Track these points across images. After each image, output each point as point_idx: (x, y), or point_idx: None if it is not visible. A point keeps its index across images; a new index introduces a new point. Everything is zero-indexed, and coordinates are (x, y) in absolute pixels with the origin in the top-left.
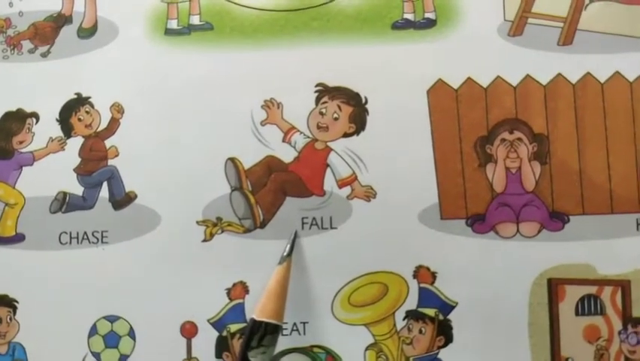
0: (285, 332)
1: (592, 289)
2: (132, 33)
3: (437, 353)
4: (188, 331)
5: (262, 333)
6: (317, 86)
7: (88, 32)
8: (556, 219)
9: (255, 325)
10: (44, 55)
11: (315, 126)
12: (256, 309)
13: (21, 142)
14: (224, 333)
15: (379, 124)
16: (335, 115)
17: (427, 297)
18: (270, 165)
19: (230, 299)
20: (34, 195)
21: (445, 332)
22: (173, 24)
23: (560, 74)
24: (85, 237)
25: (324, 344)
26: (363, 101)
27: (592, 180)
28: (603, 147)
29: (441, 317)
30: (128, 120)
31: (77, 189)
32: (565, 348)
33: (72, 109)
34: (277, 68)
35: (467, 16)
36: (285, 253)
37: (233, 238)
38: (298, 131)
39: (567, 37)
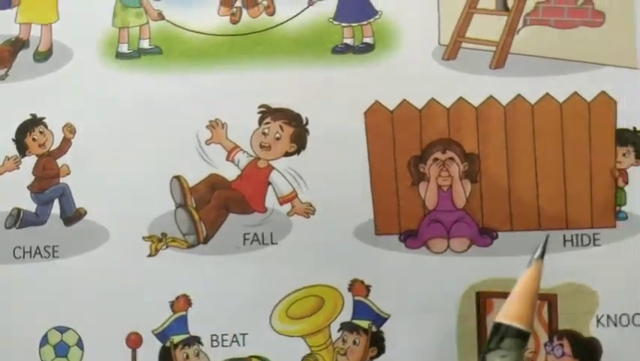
0: (224, 343)
1: None
2: (85, 56)
3: None
4: (134, 341)
5: (501, 335)
6: (260, 107)
7: (43, 56)
8: (485, 235)
9: (496, 326)
10: (2, 78)
11: (257, 146)
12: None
13: None
14: (168, 344)
15: (319, 144)
16: (277, 135)
17: (361, 309)
18: (214, 182)
19: (174, 312)
20: None
21: (377, 343)
22: (124, 48)
23: (491, 97)
24: (37, 251)
25: (263, 354)
26: (304, 121)
27: (520, 197)
28: (532, 166)
29: (374, 329)
30: (80, 140)
31: (31, 206)
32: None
33: (27, 129)
34: (222, 90)
35: (403, 41)
36: (536, 256)
37: (178, 253)
38: (241, 150)
39: (499, 60)
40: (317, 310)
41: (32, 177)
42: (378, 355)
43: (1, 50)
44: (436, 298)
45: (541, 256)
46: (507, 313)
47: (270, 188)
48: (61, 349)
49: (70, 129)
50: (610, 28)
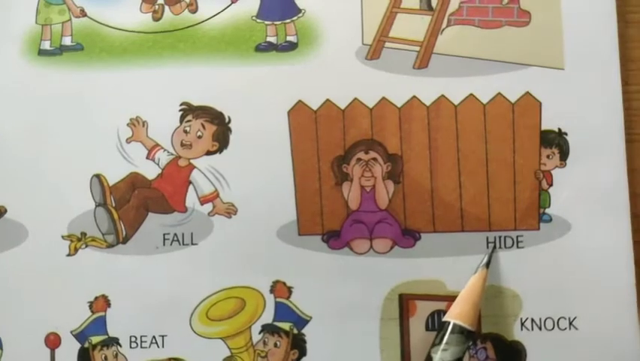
0: (143, 344)
1: (442, 305)
2: (8, 53)
3: None
4: (52, 342)
5: (444, 332)
6: (182, 105)
7: None
8: (408, 236)
9: (441, 325)
10: None
11: (179, 144)
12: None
13: None
14: (86, 345)
15: (242, 143)
16: (199, 133)
17: (283, 311)
18: (134, 181)
19: (93, 312)
20: None
21: (299, 346)
22: (47, 45)
23: (414, 97)
24: None
25: (182, 356)
26: (227, 120)
27: (443, 199)
28: (455, 167)
29: (295, 331)
30: (0, 137)
31: None
32: None
33: None
34: (143, 87)
35: (327, 40)
36: (482, 263)
37: (97, 252)
38: (162, 148)
39: (423, 60)
40: (238, 311)
41: None
42: (299, 358)
43: None
44: (359, 300)
45: (487, 264)
46: (451, 312)
47: (190, 187)
48: None
49: None
50: (536, 28)
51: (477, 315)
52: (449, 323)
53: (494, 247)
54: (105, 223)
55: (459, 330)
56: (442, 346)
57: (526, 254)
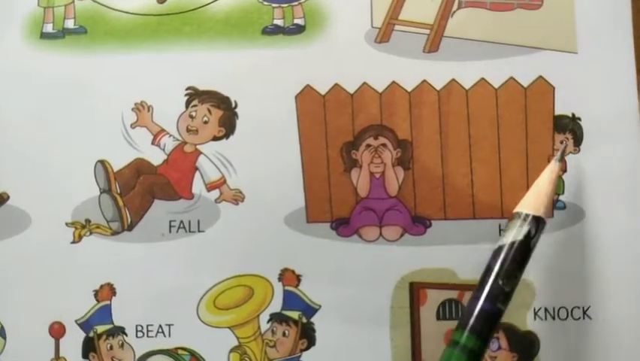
0: (150, 333)
1: (453, 294)
2: (10, 37)
3: (300, 356)
4: (57, 331)
5: (521, 223)
6: (187, 89)
7: None
8: (418, 224)
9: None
10: None
11: (184, 129)
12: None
13: None
14: (91, 334)
15: (249, 128)
16: (205, 118)
17: (292, 300)
18: (139, 167)
19: (98, 301)
20: None
21: (308, 335)
22: (49, 28)
23: (425, 81)
24: None
25: (189, 346)
26: (233, 105)
27: (454, 185)
28: (466, 153)
29: (304, 320)
30: (2, 122)
31: None
32: (426, 352)
33: None
34: (148, 71)
35: (335, 23)
36: (557, 158)
37: (102, 240)
38: (168, 134)
39: (433, 44)
40: (246, 300)
41: None
42: (308, 347)
43: None
44: (368, 288)
45: (560, 159)
46: (518, 205)
47: (197, 173)
48: None
49: None
50: (548, 10)
51: (542, 203)
52: (514, 213)
53: (565, 144)
54: (110, 210)
55: (517, 216)
56: (502, 233)
57: (539, 242)
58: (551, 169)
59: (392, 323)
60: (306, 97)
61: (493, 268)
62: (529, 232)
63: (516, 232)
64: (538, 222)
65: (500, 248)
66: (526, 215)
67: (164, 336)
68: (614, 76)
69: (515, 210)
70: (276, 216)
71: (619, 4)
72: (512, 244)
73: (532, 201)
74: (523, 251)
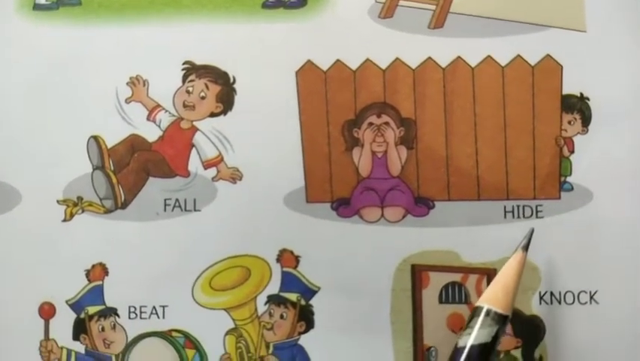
0: (143, 315)
1: (456, 277)
2: (2, 8)
3: (298, 339)
4: (47, 312)
5: (472, 315)
6: (184, 63)
7: None
8: (421, 205)
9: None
10: None
11: (181, 105)
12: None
13: None
14: (82, 315)
15: (247, 105)
16: (202, 94)
17: (290, 281)
18: (134, 143)
19: (89, 281)
20: None
21: (306, 318)
22: None
23: (429, 58)
24: None
25: (184, 328)
26: (232, 80)
27: (459, 165)
28: (472, 132)
29: (303, 302)
30: None
31: None
32: (428, 336)
33: None
34: (144, 44)
35: None
36: (520, 245)
37: (94, 218)
38: (163, 109)
39: (438, 20)
40: (242, 281)
41: None
42: (306, 330)
43: None
44: (369, 270)
45: (525, 247)
46: (483, 297)
47: (193, 150)
48: None
49: None
50: None
51: (510, 300)
52: (480, 307)
53: (532, 229)
54: (103, 187)
55: (485, 313)
56: (468, 330)
57: (545, 224)
58: (518, 260)
59: (393, 306)
60: (306, 73)
61: None
62: (497, 333)
63: (486, 333)
64: (505, 321)
65: (463, 348)
66: (495, 313)
67: (158, 318)
68: (624, 55)
69: (480, 305)
70: (275, 196)
71: None
72: (480, 346)
73: (500, 297)
74: (487, 354)
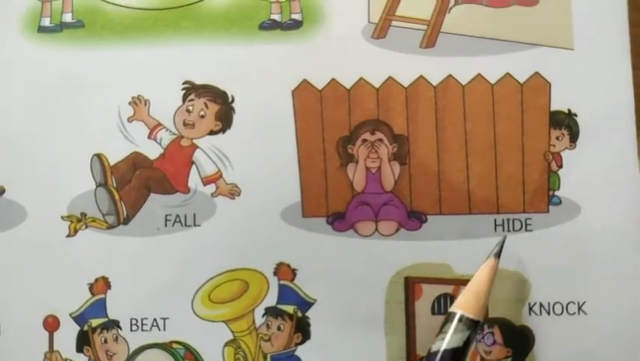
0: (144, 327)
1: (448, 289)
2: (7, 30)
3: (294, 350)
4: (51, 325)
5: (445, 321)
6: (184, 83)
7: None
8: (414, 219)
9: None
10: None
11: (181, 123)
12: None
13: None
14: (86, 328)
15: (245, 123)
16: (201, 113)
17: (287, 294)
18: (136, 161)
19: (93, 294)
20: None
21: (303, 329)
22: (46, 22)
23: (421, 76)
24: None
25: (184, 340)
26: (230, 99)
27: (450, 180)
28: (462, 148)
29: (299, 314)
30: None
31: None
32: (420, 347)
33: None
34: (146, 65)
35: (332, 18)
36: (492, 253)
37: (97, 233)
38: (164, 128)
39: (430, 39)
40: (241, 294)
41: None
42: (303, 341)
43: None
44: (364, 282)
45: (497, 254)
46: (456, 303)
47: (193, 167)
48: None
49: None
50: (545, 7)
51: (482, 305)
52: (452, 313)
53: (505, 236)
54: (106, 204)
55: (458, 319)
56: (441, 335)
57: (534, 237)
58: (490, 266)
59: (387, 318)
60: (302, 92)
61: None
62: (469, 338)
63: (458, 338)
64: (476, 326)
65: (436, 353)
66: (467, 318)
67: (159, 330)
68: (610, 72)
69: (453, 310)
70: (272, 211)
71: (615, 0)
72: (452, 350)
73: (472, 303)
74: (459, 358)
